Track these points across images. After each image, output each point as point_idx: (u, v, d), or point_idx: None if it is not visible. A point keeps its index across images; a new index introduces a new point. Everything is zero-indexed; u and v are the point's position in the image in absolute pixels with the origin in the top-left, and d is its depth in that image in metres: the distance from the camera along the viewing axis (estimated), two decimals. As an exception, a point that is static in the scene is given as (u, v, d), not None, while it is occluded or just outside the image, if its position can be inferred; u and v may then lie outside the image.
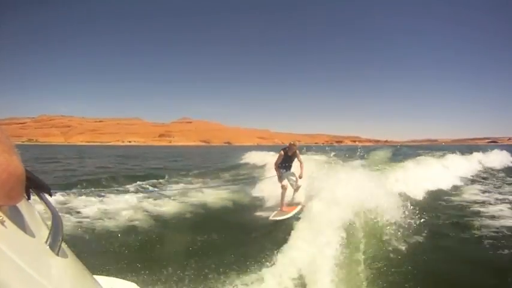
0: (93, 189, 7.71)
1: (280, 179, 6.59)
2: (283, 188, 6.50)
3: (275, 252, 4.05)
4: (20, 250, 0.49)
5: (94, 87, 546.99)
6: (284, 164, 6.70)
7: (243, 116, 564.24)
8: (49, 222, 0.67)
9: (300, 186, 6.75)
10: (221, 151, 55.22)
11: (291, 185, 6.74)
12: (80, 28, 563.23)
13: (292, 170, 6.84)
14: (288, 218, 5.96)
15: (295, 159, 6.77)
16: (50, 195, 0.75)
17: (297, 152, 6.73)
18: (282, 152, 6.66)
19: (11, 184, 0.48)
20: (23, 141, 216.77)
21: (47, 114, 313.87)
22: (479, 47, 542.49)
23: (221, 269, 3.76)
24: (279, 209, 6.50)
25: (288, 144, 6.78)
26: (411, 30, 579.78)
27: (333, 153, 10.19)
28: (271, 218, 6.12)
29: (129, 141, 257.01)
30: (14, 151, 0.51)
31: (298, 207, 6.42)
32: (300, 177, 6.67)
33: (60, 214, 0.71)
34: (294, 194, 6.91)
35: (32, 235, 0.59)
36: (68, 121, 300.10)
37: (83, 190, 7.77)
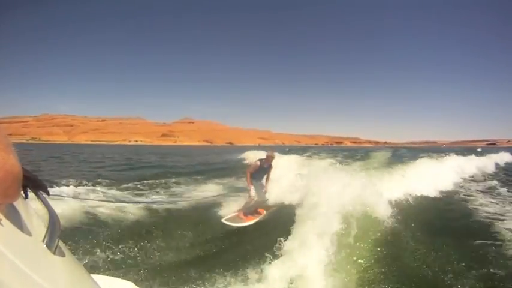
0: None
1: (250, 191, 6.11)
2: (250, 198, 6.12)
3: (264, 258, 3.89)
4: (16, 249, 0.49)
5: (94, 86, 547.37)
6: (257, 175, 6.33)
7: (244, 116, 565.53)
8: (46, 221, 0.68)
9: (266, 201, 6.40)
10: (226, 151, 56.38)
11: (260, 201, 6.31)
12: (81, 27, 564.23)
13: (264, 181, 6.45)
14: (243, 227, 5.67)
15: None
16: (48, 193, 0.75)
17: (271, 165, 6.37)
18: (258, 163, 6.26)
19: (7, 182, 0.48)
20: (27, 140, 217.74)
21: (49, 113, 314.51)
22: (478, 48, 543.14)
23: (215, 271, 3.79)
24: (237, 213, 6.11)
25: (266, 155, 6.36)
26: (411, 31, 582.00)
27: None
28: (223, 220, 5.82)
29: (136, 141, 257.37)
30: (11, 149, 0.51)
31: (258, 218, 6.08)
32: (265, 192, 6.36)
33: (57, 213, 0.71)
34: (257, 206, 6.33)
35: (29, 234, 0.59)
36: (71, 120, 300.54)
37: None
